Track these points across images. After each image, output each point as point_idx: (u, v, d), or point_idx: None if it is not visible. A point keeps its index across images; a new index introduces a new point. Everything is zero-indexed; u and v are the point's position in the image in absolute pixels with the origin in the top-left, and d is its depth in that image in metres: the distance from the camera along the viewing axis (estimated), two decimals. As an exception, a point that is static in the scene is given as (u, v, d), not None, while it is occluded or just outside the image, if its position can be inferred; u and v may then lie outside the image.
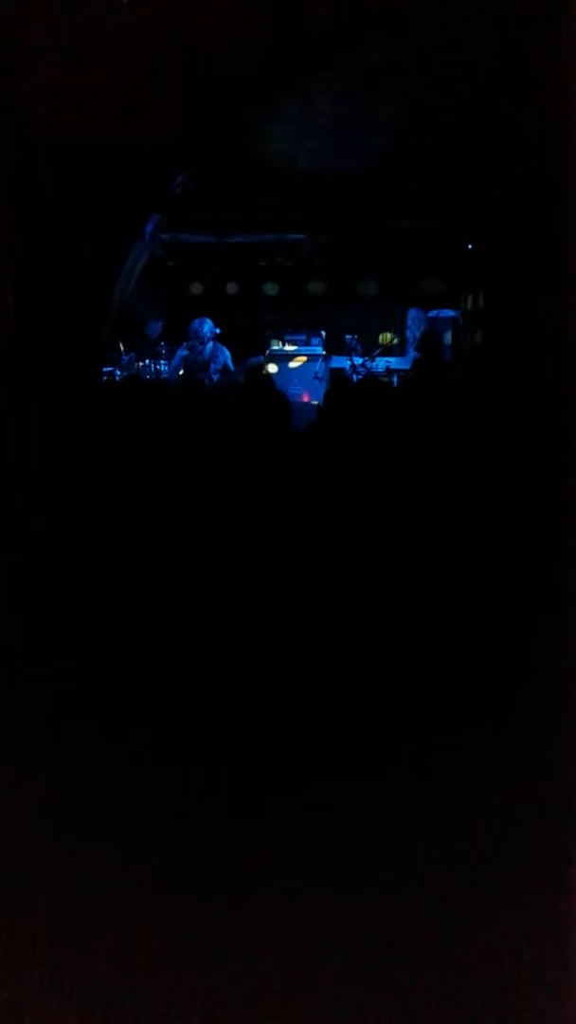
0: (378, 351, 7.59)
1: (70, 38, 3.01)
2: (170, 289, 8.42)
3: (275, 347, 7.71)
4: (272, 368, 7.35)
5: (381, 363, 7.38)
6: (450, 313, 7.96)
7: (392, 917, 2.11)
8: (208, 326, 7.13)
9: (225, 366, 7.10)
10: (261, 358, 7.52)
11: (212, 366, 7.06)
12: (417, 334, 7.51)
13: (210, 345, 7.11)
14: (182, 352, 7.20)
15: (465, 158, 4.56)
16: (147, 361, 7.52)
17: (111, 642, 2.69)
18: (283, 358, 7.53)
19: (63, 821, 2.33)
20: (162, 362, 7.52)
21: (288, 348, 7.68)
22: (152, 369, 7.46)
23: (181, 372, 7.12)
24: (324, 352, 7.70)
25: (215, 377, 6.98)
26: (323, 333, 7.98)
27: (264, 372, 6.92)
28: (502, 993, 2.00)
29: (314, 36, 3.25)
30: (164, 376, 7.34)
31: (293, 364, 7.51)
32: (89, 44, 3.04)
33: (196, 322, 7.18)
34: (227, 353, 7.17)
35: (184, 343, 7.27)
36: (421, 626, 2.74)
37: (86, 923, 2.13)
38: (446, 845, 2.23)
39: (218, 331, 7.22)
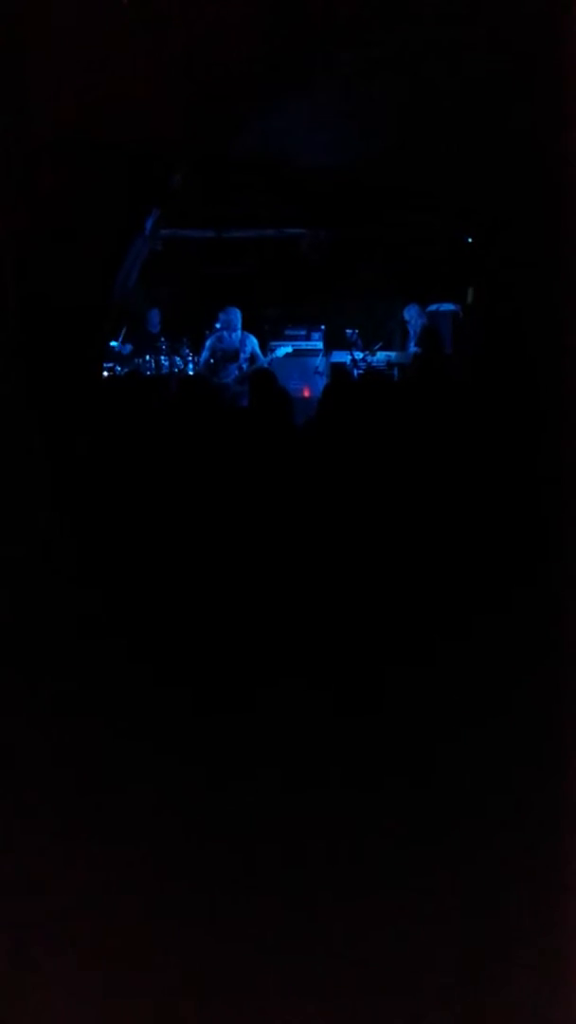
0: (378, 345, 7.59)
1: (70, 36, 3.01)
2: (170, 284, 8.41)
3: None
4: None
5: (382, 357, 7.37)
6: (450, 307, 7.95)
7: (391, 918, 2.11)
8: (238, 315, 7.15)
9: (253, 354, 7.12)
10: (289, 347, 7.51)
11: (241, 355, 7.08)
12: (417, 328, 7.51)
13: (238, 333, 7.13)
14: (210, 341, 7.20)
15: (465, 151, 4.56)
16: (147, 357, 7.50)
17: (112, 638, 2.70)
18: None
19: (64, 821, 2.33)
20: (163, 358, 7.50)
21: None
22: (152, 365, 7.45)
23: (212, 361, 7.13)
24: (324, 347, 7.69)
25: (244, 366, 7.02)
26: (323, 328, 7.97)
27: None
28: (502, 994, 2.00)
29: (314, 31, 3.26)
30: (170, 370, 7.34)
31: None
32: (89, 42, 3.04)
33: (225, 311, 7.18)
34: (255, 341, 7.19)
35: (211, 333, 7.26)
36: (421, 621, 2.74)
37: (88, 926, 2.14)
38: (445, 844, 2.24)
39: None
